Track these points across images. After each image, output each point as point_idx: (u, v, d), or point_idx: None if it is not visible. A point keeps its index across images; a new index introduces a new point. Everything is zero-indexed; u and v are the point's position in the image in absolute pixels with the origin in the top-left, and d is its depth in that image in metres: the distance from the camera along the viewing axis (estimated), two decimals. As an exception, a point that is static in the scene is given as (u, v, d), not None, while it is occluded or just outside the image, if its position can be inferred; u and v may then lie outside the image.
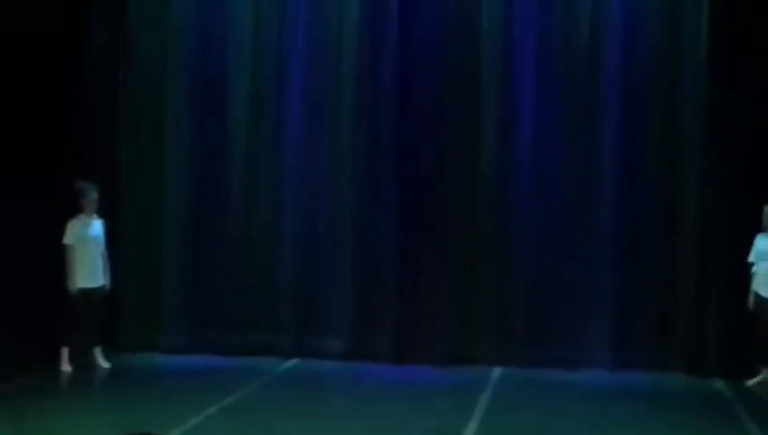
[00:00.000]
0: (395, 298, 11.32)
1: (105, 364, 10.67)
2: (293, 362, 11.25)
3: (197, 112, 11.68)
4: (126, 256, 11.47)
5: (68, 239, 10.43)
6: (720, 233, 10.72)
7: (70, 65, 11.26)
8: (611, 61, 11.15)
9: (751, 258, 10.33)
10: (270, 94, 11.66)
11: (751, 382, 10.36)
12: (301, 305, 11.52)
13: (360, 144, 11.49)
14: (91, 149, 11.47)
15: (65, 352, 10.45)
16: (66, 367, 10.44)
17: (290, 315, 11.52)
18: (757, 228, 10.27)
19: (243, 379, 10.18)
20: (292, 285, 11.54)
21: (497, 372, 10.92)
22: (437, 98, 11.32)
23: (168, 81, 11.72)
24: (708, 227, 10.82)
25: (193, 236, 11.67)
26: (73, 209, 10.52)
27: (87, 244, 10.48)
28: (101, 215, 10.70)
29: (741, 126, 10.56)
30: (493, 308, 11.27)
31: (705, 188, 10.85)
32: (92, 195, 10.52)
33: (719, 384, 10.46)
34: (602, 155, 11.18)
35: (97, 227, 10.62)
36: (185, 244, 11.66)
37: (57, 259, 10.43)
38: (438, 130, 11.30)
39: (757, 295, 10.29)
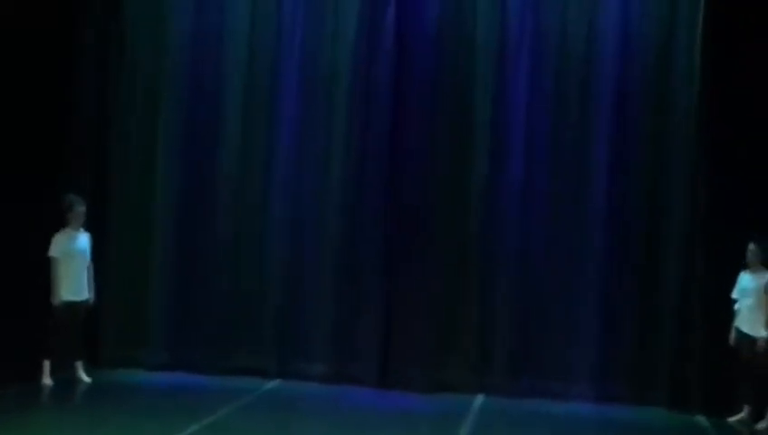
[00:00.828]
0: (379, 323, 11.31)
1: (86, 379, 10.61)
2: (275, 383, 11.21)
3: (189, 131, 11.67)
4: (112, 271, 11.44)
5: (53, 252, 10.39)
6: (704, 269, 10.73)
7: (60, 66, 11.22)
8: (603, 78, 11.21)
9: (734, 295, 10.36)
10: (262, 105, 11.65)
11: (733, 419, 10.35)
12: (284, 327, 11.49)
13: (350, 168, 11.49)
14: (79, 154, 11.41)
15: (47, 365, 10.38)
16: (47, 380, 10.37)
17: (273, 337, 11.48)
18: (741, 262, 10.30)
19: (224, 399, 10.13)
20: (276, 307, 11.51)
21: (479, 400, 10.89)
22: (429, 116, 11.35)
23: (161, 85, 11.69)
24: (693, 264, 10.84)
25: (179, 253, 11.64)
26: (59, 215, 10.46)
27: (72, 257, 10.45)
28: (88, 229, 10.67)
29: (729, 160, 10.58)
30: (476, 337, 11.26)
31: (690, 224, 10.88)
32: (80, 208, 10.50)
33: (701, 420, 10.45)
34: (591, 190, 11.21)
35: (83, 240, 10.59)
36: (171, 263, 11.63)
37: (42, 270, 10.38)
38: (428, 154, 11.33)
39: (739, 332, 10.31)
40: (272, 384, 11.14)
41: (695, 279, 10.81)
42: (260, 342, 11.48)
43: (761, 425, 10.11)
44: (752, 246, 10.26)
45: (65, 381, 10.46)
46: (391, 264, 11.33)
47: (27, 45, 10.79)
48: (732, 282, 10.35)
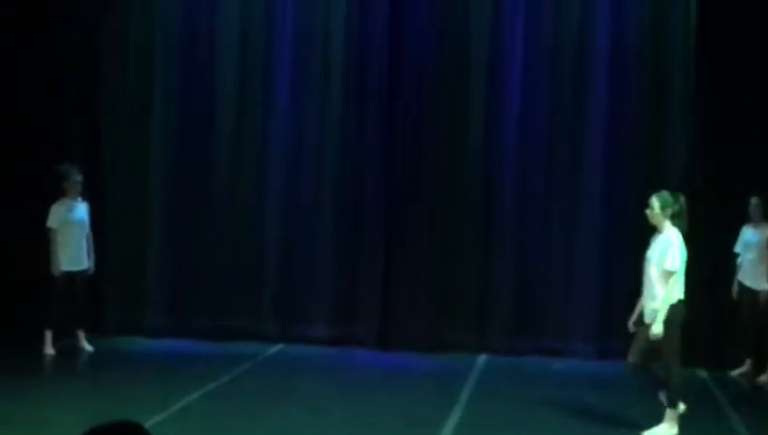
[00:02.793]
0: (380, 285, 11.31)
1: (88, 348, 10.60)
2: (278, 347, 11.22)
3: (184, 93, 11.59)
4: (111, 239, 11.40)
5: (51, 223, 10.34)
6: (703, 223, 10.71)
7: (50, 40, 11.17)
8: (599, 55, 11.15)
9: (737, 249, 10.35)
10: (257, 74, 11.57)
11: (735, 373, 10.39)
12: (286, 291, 11.48)
13: (348, 132, 11.44)
14: (73, 132, 11.39)
15: (48, 335, 10.37)
16: (49, 350, 10.37)
17: (275, 301, 11.48)
18: (740, 219, 10.28)
19: (226, 364, 10.14)
20: (277, 271, 11.50)
21: (482, 359, 10.92)
22: (426, 68, 11.27)
23: (154, 58, 11.58)
24: (692, 217, 10.81)
25: (178, 221, 11.61)
26: (57, 191, 10.43)
27: (71, 227, 10.40)
28: (86, 198, 10.62)
29: (727, 119, 10.56)
30: (478, 296, 11.27)
31: (690, 177, 10.85)
32: (76, 177, 10.42)
33: (703, 374, 10.48)
34: (588, 146, 11.20)
35: (81, 210, 10.53)
36: (170, 229, 11.60)
37: (41, 242, 10.34)
38: (424, 125, 11.28)
39: (741, 285, 10.31)
40: (274, 349, 11.15)
41: (695, 234, 10.78)
42: (261, 307, 11.48)
43: (762, 378, 10.14)
44: (754, 200, 10.22)
45: (67, 350, 10.47)
46: (390, 227, 11.31)
47: (16, 21, 10.73)
48: (731, 236, 10.33)
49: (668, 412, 8.10)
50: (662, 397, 8.18)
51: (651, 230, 8.26)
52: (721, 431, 8.60)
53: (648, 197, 10.96)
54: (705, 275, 10.66)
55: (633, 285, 11.01)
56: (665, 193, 8.09)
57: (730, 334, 10.43)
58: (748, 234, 10.29)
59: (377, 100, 11.34)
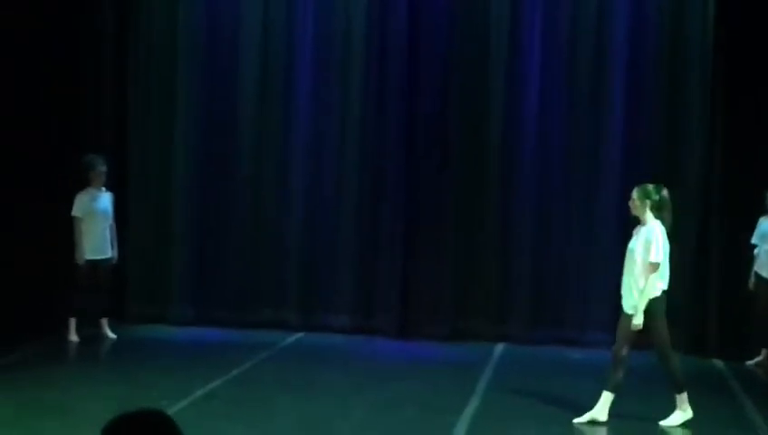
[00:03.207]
0: (400, 276, 11.41)
1: (112, 335, 10.77)
2: (299, 335, 11.35)
3: (207, 85, 11.73)
4: (135, 228, 11.56)
5: (76, 212, 10.51)
6: (720, 215, 10.78)
7: (78, 38, 11.32)
8: (617, 53, 11.21)
9: (754, 240, 10.40)
10: (278, 69, 11.69)
11: (750, 363, 10.44)
12: (306, 280, 11.61)
13: (368, 127, 11.55)
14: (100, 121, 11.56)
15: (72, 322, 10.55)
16: (73, 338, 10.55)
17: (295, 290, 11.61)
18: (755, 211, 10.32)
19: (248, 352, 10.28)
20: (298, 260, 11.63)
21: (499, 348, 11.01)
22: (444, 57, 11.33)
23: (178, 53, 11.73)
24: (708, 209, 10.88)
25: (201, 210, 11.75)
26: (83, 182, 10.59)
27: (95, 217, 10.56)
28: (110, 187, 10.77)
29: (744, 115, 10.59)
30: (496, 286, 11.36)
31: (707, 172, 10.91)
32: (101, 167, 10.58)
33: (718, 364, 10.54)
34: (605, 141, 11.27)
35: (105, 199, 10.69)
36: (193, 220, 11.74)
37: (66, 231, 10.51)
38: (444, 121, 11.36)
39: (758, 276, 10.36)
40: (295, 337, 11.29)
41: (711, 225, 10.85)
42: (283, 296, 11.61)
43: (779, 368, 10.20)
44: (768, 194, 10.27)
45: (91, 337, 10.63)
46: (410, 219, 11.41)
47: (45, 17, 10.87)
48: (748, 228, 10.37)
49: (678, 398, 8.21)
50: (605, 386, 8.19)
51: (635, 223, 8.33)
52: (736, 421, 8.67)
53: (667, 184, 11.09)
54: (722, 266, 10.74)
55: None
56: (647, 185, 8.16)
57: (746, 325, 10.48)
58: (765, 225, 10.34)
59: (397, 96, 11.43)
